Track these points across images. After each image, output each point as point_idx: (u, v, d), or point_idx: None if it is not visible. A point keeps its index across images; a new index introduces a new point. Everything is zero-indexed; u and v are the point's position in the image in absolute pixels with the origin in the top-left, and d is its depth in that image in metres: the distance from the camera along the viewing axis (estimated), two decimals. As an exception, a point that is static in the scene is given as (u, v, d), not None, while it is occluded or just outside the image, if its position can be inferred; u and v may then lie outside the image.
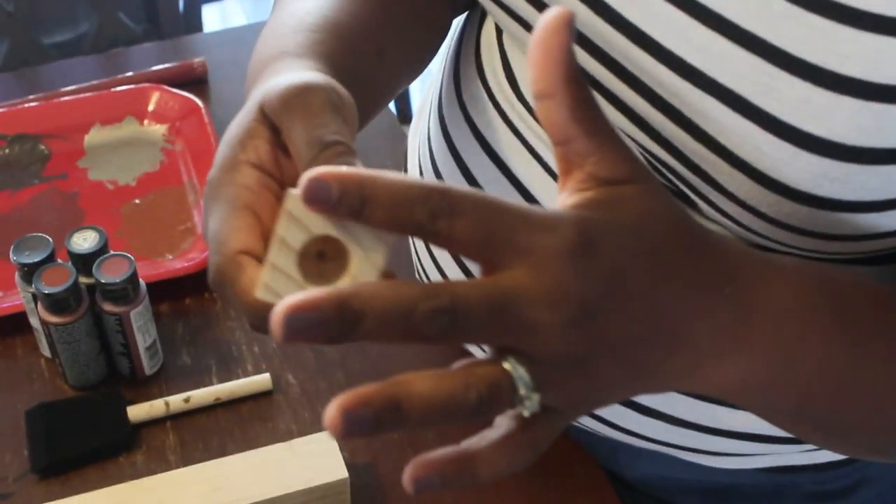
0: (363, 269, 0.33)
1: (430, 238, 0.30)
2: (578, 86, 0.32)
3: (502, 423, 0.31)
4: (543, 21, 0.31)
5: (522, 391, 0.30)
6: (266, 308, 0.34)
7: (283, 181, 0.40)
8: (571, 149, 0.32)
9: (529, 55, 0.32)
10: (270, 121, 0.39)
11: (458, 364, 0.30)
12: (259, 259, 0.37)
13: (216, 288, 0.38)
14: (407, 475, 0.30)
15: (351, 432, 0.28)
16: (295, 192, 0.33)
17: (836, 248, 0.42)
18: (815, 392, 0.38)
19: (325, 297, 0.28)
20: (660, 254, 0.32)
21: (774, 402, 0.39)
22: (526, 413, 0.31)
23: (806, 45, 0.36)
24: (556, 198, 0.50)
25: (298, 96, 0.38)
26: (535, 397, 0.30)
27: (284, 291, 0.33)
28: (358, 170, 0.29)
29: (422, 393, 0.29)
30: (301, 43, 0.46)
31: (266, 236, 0.38)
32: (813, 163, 0.37)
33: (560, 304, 0.30)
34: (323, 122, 0.38)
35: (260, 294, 0.33)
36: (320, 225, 0.33)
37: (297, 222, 0.33)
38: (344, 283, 0.32)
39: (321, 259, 0.33)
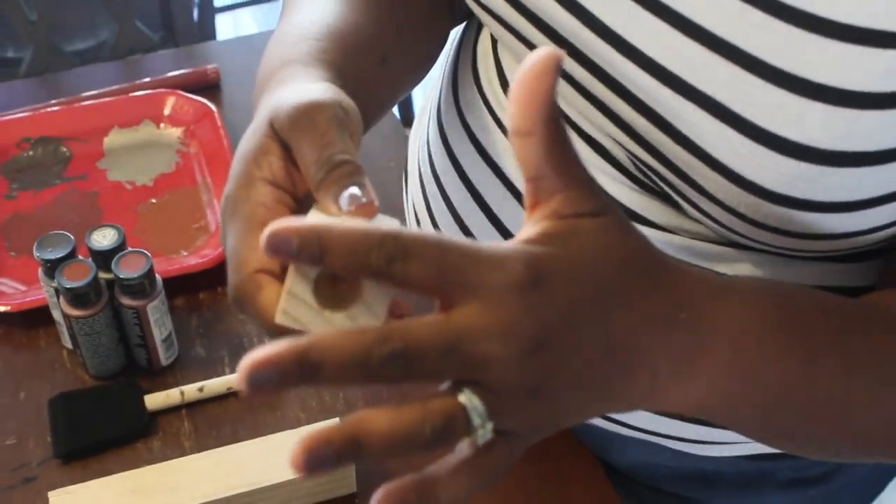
0: (375, 290, 0.33)
1: (388, 281, 0.30)
2: (555, 126, 0.32)
3: (462, 449, 0.32)
4: (532, 61, 0.31)
5: (476, 421, 0.30)
6: (283, 329, 0.35)
7: (296, 194, 0.40)
8: (541, 185, 0.33)
9: (512, 91, 0.31)
10: (281, 137, 0.39)
11: (417, 397, 0.31)
12: (276, 276, 0.37)
13: (236, 306, 0.38)
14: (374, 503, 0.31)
15: (313, 469, 0.29)
16: (316, 213, 0.34)
17: (811, 247, 0.42)
18: (776, 407, 0.38)
19: (284, 353, 0.28)
20: (611, 285, 0.32)
21: (736, 417, 0.39)
22: (479, 442, 0.31)
23: (780, 53, 0.37)
24: None
25: (306, 114, 0.38)
26: (489, 426, 0.31)
27: (302, 317, 0.34)
28: (314, 223, 0.30)
29: (380, 430, 0.29)
30: (306, 51, 0.46)
31: None
32: (787, 166, 0.38)
33: (511, 337, 0.30)
34: (330, 140, 0.37)
35: (279, 320, 0.34)
36: None
37: None
38: (356, 310, 0.33)
39: (336, 283, 0.34)
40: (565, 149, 0.32)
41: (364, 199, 0.35)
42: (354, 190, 0.36)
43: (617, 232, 0.33)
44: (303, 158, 0.38)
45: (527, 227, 0.33)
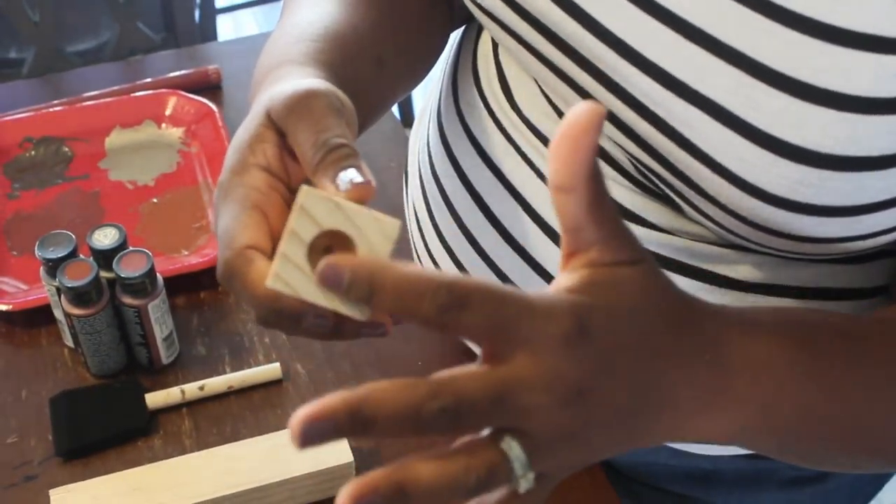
0: None
1: (437, 329, 0.30)
2: (596, 181, 0.32)
3: (499, 492, 0.32)
4: (576, 115, 0.31)
5: (519, 471, 0.31)
6: (273, 300, 0.35)
7: (290, 183, 0.40)
8: (580, 236, 0.33)
9: (554, 145, 0.31)
10: (277, 126, 0.40)
11: (458, 443, 0.31)
12: (267, 255, 0.37)
13: (225, 281, 0.38)
14: None
15: None
16: (307, 188, 0.34)
17: (812, 250, 0.42)
18: (796, 433, 0.39)
19: (338, 407, 0.29)
20: (647, 334, 0.33)
21: (758, 444, 0.40)
22: (521, 490, 0.31)
23: (783, 58, 0.37)
24: (544, 198, 0.51)
25: (302, 101, 0.39)
26: (531, 476, 0.31)
27: (293, 281, 0.33)
28: (370, 261, 0.30)
29: (427, 480, 0.30)
30: (302, 52, 0.46)
31: (274, 235, 0.38)
32: (789, 170, 0.38)
33: (555, 388, 0.31)
34: (327, 125, 0.38)
35: (270, 283, 0.33)
36: (330, 220, 0.33)
37: (309, 216, 0.33)
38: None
39: (329, 252, 0.33)
40: (604, 202, 0.33)
41: (361, 180, 0.35)
42: (352, 171, 0.36)
43: (651, 279, 0.34)
44: (299, 142, 0.38)
45: (566, 274, 0.33)
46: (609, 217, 0.33)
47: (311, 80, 0.41)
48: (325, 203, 0.34)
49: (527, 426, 0.31)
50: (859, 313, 0.50)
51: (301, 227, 0.33)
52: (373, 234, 0.33)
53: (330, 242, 0.34)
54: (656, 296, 0.34)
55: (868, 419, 0.40)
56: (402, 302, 0.30)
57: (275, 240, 0.38)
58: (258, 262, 0.37)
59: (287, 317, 0.36)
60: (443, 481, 0.30)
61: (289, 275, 0.33)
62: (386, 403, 0.29)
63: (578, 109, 0.31)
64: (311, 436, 0.29)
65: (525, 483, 0.31)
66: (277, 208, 0.39)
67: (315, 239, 0.33)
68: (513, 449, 0.31)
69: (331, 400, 0.29)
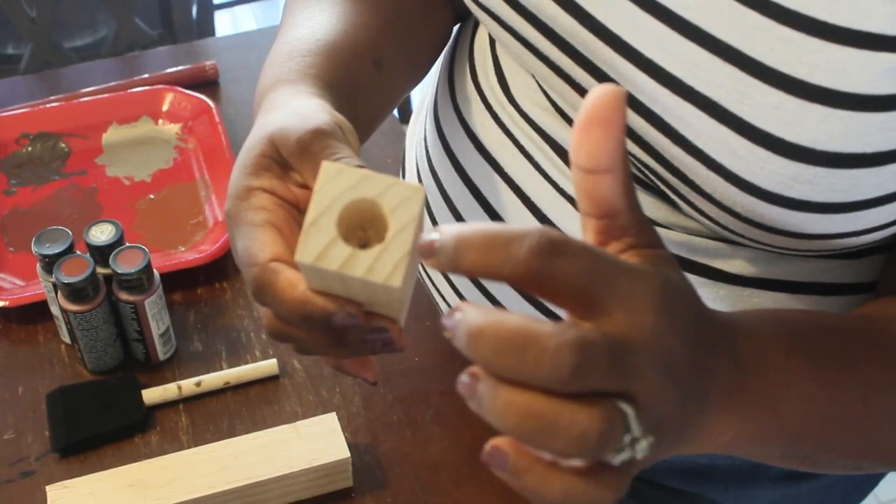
0: (399, 238, 0.33)
1: (528, 279, 0.28)
2: (627, 162, 0.31)
3: (600, 462, 0.29)
4: (601, 95, 0.30)
5: (637, 432, 0.29)
6: (304, 303, 0.36)
7: (296, 204, 0.41)
8: (615, 222, 0.32)
9: (584, 127, 0.30)
10: (282, 158, 0.41)
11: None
12: (289, 265, 0.38)
13: (257, 297, 0.38)
14: (490, 448, 0.29)
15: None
16: (328, 162, 0.34)
17: (807, 246, 0.42)
18: (799, 432, 0.38)
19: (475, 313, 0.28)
20: (699, 314, 0.32)
21: (764, 448, 0.39)
22: (639, 455, 0.29)
23: (778, 55, 0.37)
24: (543, 191, 0.51)
25: (316, 140, 0.40)
26: (649, 439, 0.29)
27: (327, 253, 0.33)
28: (454, 225, 0.29)
29: (566, 427, 0.28)
30: (293, 69, 0.47)
31: (289, 247, 0.39)
32: (784, 166, 0.38)
33: (658, 353, 0.29)
34: (343, 154, 0.39)
35: (300, 257, 0.33)
36: (356, 190, 0.33)
37: (334, 188, 0.33)
38: (375, 251, 0.33)
39: (362, 230, 0.34)
40: (632, 185, 0.32)
41: None
42: None
43: (678, 265, 0.33)
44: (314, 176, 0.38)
45: None
46: (637, 202, 0.32)
47: (311, 112, 0.41)
48: (348, 174, 0.34)
49: (634, 390, 0.29)
50: (853, 308, 0.50)
51: (328, 199, 0.33)
52: (400, 199, 0.33)
53: (360, 218, 0.34)
54: (686, 280, 0.33)
55: (869, 420, 0.40)
56: (492, 251, 0.28)
57: (291, 251, 0.38)
58: (284, 271, 0.37)
59: (317, 320, 0.36)
60: (548, 417, 0.27)
61: (321, 247, 0.33)
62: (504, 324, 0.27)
63: (601, 90, 0.30)
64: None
65: (644, 445, 0.29)
66: (287, 224, 0.40)
67: (344, 210, 0.33)
68: (629, 409, 0.29)
69: (460, 316, 0.28)
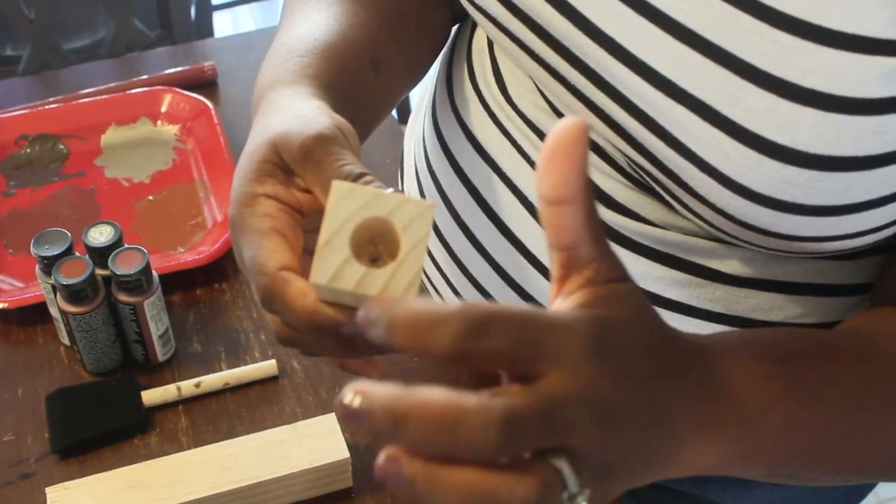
0: (410, 258, 0.34)
1: (457, 361, 0.29)
2: (591, 194, 0.31)
3: None
4: (564, 127, 0.30)
5: (574, 489, 0.29)
6: (314, 313, 0.36)
7: (301, 209, 0.41)
8: (576, 254, 0.32)
9: (546, 159, 0.31)
10: (285, 163, 0.41)
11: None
12: (298, 273, 0.38)
13: (266, 306, 0.38)
14: None
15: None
16: (339, 182, 0.34)
17: (800, 248, 0.42)
18: (785, 455, 0.38)
19: (378, 409, 0.28)
20: (651, 346, 0.32)
21: (748, 469, 0.39)
22: None
23: (771, 58, 0.37)
24: None
25: (319, 146, 0.39)
26: (588, 493, 0.30)
27: (340, 273, 0.33)
28: (385, 299, 0.30)
29: (469, 484, 0.28)
30: (291, 69, 0.46)
31: (296, 254, 0.39)
32: (776, 169, 0.38)
33: (591, 401, 0.30)
34: (347, 161, 0.39)
35: (315, 278, 0.34)
36: (367, 210, 0.34)
37: (346, 208, 0.34)
38: (389, 269, 0.33)
39: (372, 244, 0.34)
40: (597, 217, 0.32)
41: (391, 191, 0.36)
42: (382, 186, 0.36)
43: (642, 297, 0.33)
44: (320, 182, 0.39)
45: (569, 298, 0.32)
46: (602, 234, 0.32)
47: (311, 116, 0.41)
48: (360, 193, 0.34)
49: (569, 443, 0.29)
50: (848, 311, 0.50)
51: (340, 219, 0.34)
52: (412, 216, 0.34)
53: (370, 234, 0.34)
54: (648, 313, 0.33)
55: (852, 434, 0.39)
56: (417, 336, 0.29)
57: (297, 256, 0.39)
58: (294, 280, 0.37)
59: (328, 330, 0.36)
60: (487, 493, 0.28)
61: (335, 267, 0.34)
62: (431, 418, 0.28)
63: (564, 123, 0.31)
64: (348, 420, 0.28)
65: (581, 500, 0.30)
66: (293, 230, 0.40)
67: (356, 229, 0.34)
68: (565, 467, 0.29)
69: (374, 400, 0.28)
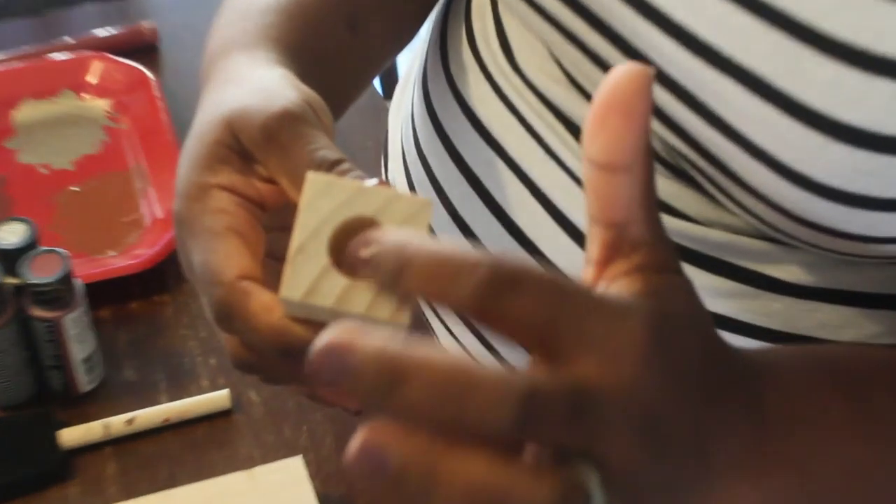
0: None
1: (478, 317, 0.29)
2: (651, 163, 0.31)
3: None
4: (623, 75, 0.30)
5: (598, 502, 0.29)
6: (282, 333, 0.36)
7: (261, 202, 0.41)
8: (625, 234, 0.32)
9: (600, 115, 0.31)
10: (242, 147, 0.41)
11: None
12: (259, 282, 0.38)
13: (222, 323, 0.38)
14: None
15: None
16: (315, 174, 0.35)
17: (874, 251, 0.42)
18: (831, 494, 0.38)
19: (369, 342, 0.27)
20: (706, 358, 0.32)
21: None
22: None
23: (836, 19, 0.36)
24: (555, 182, 0.51)
25: (284, 126, 0.40)
26: None
27: (316, 287, 0.33)
28: (400, 231, 0.30)
29: (471, 479, 0.28)
30: (249, 30, 0.47)
31: (256, 257, 0.40)
32: (845, 155, 0.38)
33: (632, 408, 0.29)
34: (319, 145, 0.39)
35: (286, 293, 0.34)
36: (349, 207, 0.34)
37: (323, 207, 0.34)
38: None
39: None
40: (654, 192, 0.32)
41: (376, 181, 0.36)
42: (358, 174, 0.37)
43: (697, 295, 0.33)
44: (288, 170, 0.39)
45: (606, 282, 0.32)
46: (657, 214, 0.32)
47: (274, 89, 0.41)
48: (339, 188, 0.34)
49: (601, 450, 0.29)
50: None
51: (316, 220, 0.34)
52: (405, 216, 0.34)
53: (352, 233, 0.34)
54: (705, 317, 0.33)
55: None
56: (436, 281, 0.28)
57: (259, 261, 0.40)
58: (256, 292, 0.38)
59: (297, 352, 0.36)
60: (497, 494, 0.27)
61: (311, 280, 0.34)
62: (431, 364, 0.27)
63: (624, 69, 0.30)
64: (322, 375, 0.27)
65: None
66: (253, 229, 0.40)
67: (336, 232, 0.34)
68: (592, 477, 0.29)
69: (368, 348, 0.27)
